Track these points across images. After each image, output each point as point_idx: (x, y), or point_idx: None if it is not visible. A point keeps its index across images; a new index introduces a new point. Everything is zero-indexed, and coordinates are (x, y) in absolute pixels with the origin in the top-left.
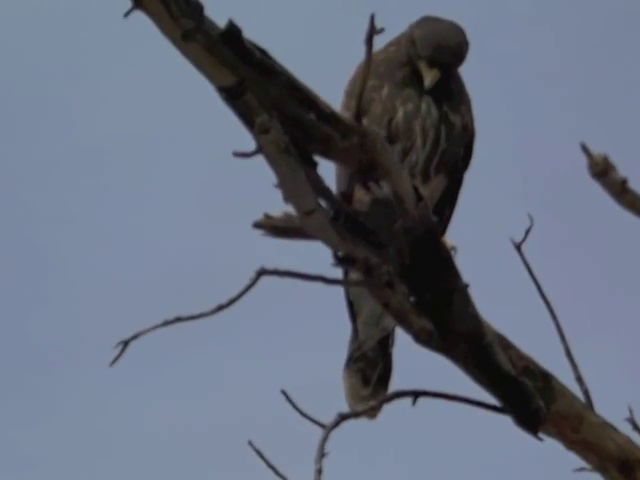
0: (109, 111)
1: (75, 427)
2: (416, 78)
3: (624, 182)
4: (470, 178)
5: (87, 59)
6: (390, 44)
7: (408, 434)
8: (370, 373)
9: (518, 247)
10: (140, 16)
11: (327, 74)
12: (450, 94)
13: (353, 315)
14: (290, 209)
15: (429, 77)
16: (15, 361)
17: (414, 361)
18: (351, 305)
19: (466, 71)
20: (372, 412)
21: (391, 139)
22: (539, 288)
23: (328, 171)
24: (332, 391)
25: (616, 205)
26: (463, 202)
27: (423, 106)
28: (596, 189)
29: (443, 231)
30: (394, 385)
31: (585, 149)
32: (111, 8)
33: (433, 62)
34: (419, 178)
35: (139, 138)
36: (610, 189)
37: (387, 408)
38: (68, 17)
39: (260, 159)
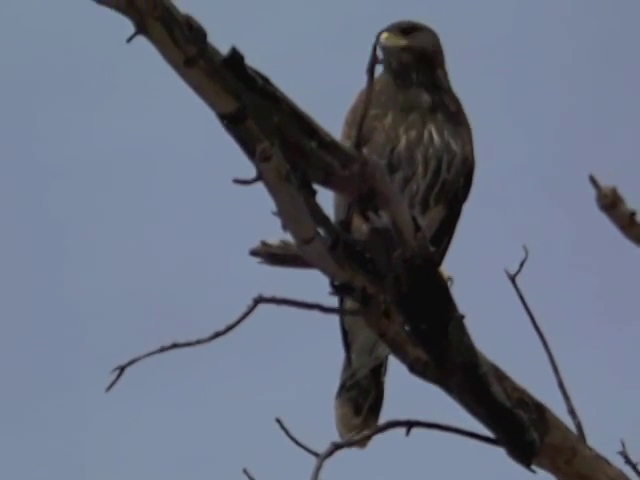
0: (109, 130)
1: (68, 448)
2: (414, 86)
3: (633, 214)
4: (467, 208)
5: (92, 80)
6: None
7: (401, 464)
8: (362, 402)
9: (513, 279)
10: (143, 41)
11: (328, 101)
12: (452, 121)
13: (347, 343)
14: (287, 236)
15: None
16: (13, 384)
17: (408, 390)
18: (345, 333)
19: (466, 98)
20: (363, 441)
21: (393, 167)
22: (533, 320)
23: (327, 199)
24: (327, 419)
25: (614, 235)
26: (460, 232)
27: (426, 134)
28: (593, 220)
29: (440, 261)
30: (386, 414)
31: (593, 181)
32: (115, 32)
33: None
34: (419, 207)
35: (140, 160)
36: (618, 222)
37: (381, 438)
38: (71, 36)
39: (260, 186)
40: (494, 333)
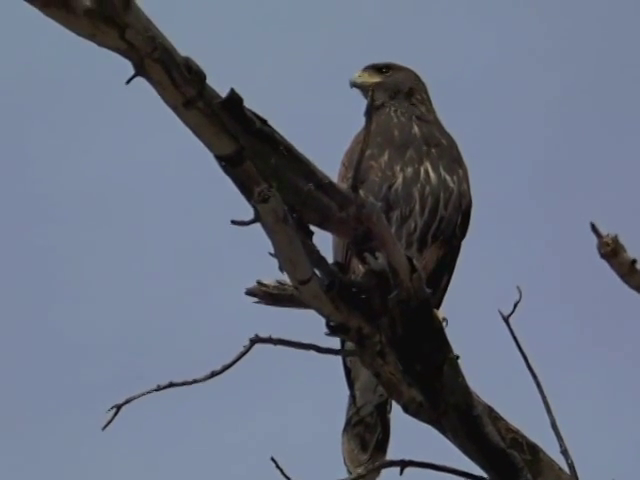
0: (109, 168)
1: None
2: (401, 121)
3: (634, 262)
4: (463, 247)
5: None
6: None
7: None
8: (368, 438)
9: (506, 319)
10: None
11: (325, 143)
12: (447, 156)
13: (350, 381)
14: (283, 276)
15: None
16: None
17: (409, 429)
18: (348, 371)
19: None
20: (370, 476)
21: (390, 205)
22: (526, 360)
23: (324, 240)
24: (323, 457)
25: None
26: (455, 271)
27: (422, 171)
28: (587, 264)
29: (441, 298)
30: (392, 450)
31: (594, 229)
32: (114, 72)
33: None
34: (416, 245)
35: (138, 199)
36: (619, 269)
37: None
38: (71, 73)
39: (257, 227)
40: (488, 373)
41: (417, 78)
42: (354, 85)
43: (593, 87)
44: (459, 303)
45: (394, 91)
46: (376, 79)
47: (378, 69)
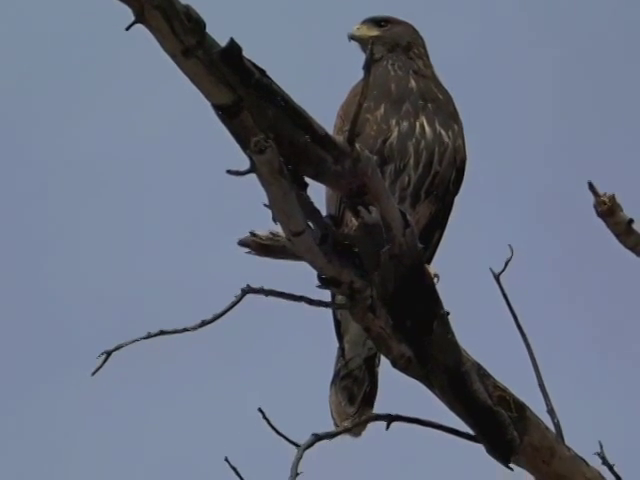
0: (102, 123)
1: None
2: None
3: (630, 222)
4: (456, 204)
5: (86, 69)
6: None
7: (381, 458)
8: (356, 391)
9: (497, 277)
10: (141, 30)
11: (322, 95)
12: (443, 111)
13: (340, 334)
14: (276, 228)
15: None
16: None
17: (397, 383)
18: (338, 324)
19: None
20: (356, 429)
21: (385, 159)
22: (516, 319)
23: (317, 193)
24: (310, 411)
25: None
26: (447, 229)
27: (417, 125)
28: (580, 224)
29: (432, 254)
30: (377, 404)
31: (592, 187)
32: (114, 21)
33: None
34: (410, 200)
35: (132, 150)
36: (615, 229)
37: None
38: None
39: (252, 178)
40: (478, 331)
41: (415, 32)
42: (352, 38)
43: (584, 56)
44: (450, 260)
45: (392, 45)
46: (375, 32)
47: (377, 22)
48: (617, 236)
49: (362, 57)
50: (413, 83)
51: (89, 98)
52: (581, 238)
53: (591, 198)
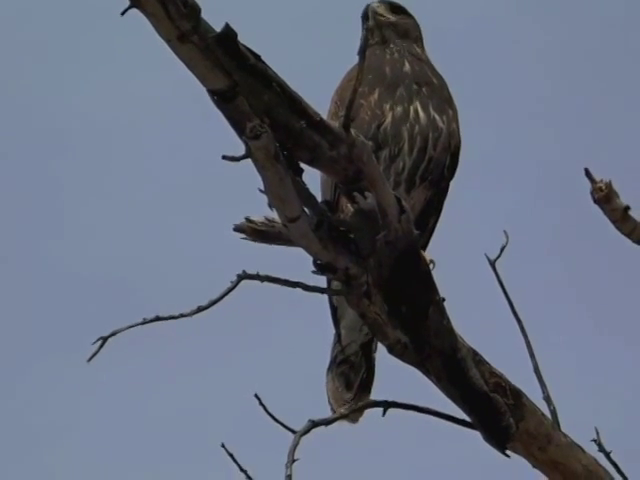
0: (99, 103)
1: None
2: (396, 56)
3: (627, 209)
4: (450, 191)
5: (80, 52)
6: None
7: (378, 444)
8: (353, 377)
9: (493, 263)
10: (136, 14)
11: (317, 80)
12: (437, 95)
13: (336, 319)
14: (271, 213)
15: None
16: None
17: (393, 370)
18: (334, 310)
19: (455, 85)
20: (353, 416)
21: (379, 144)
22: (511, 305)
23: (313, 179)
24: (307, 397)
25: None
26: (442, 215)
27: (412, 110)
28: (577, 210)
29: (427, 240)
30: (375, 390)
31: (588, 174)
32: (109, 4)
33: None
34: (404, 185)
35: (127, 132)
36: (611, 215)
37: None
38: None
39: (248, 163)
40: (473, 317)
41: (419, 28)
42: (374, 12)
43: (582, 37)
44: (446, 246)
45: (403, 35)
46: (392, 17)
47: (392, 8)
48: (614, 222)
49: (357, 38)
50: (407, 66)
51: (89, 69)
52: (577, 224)
53: (588, 184)
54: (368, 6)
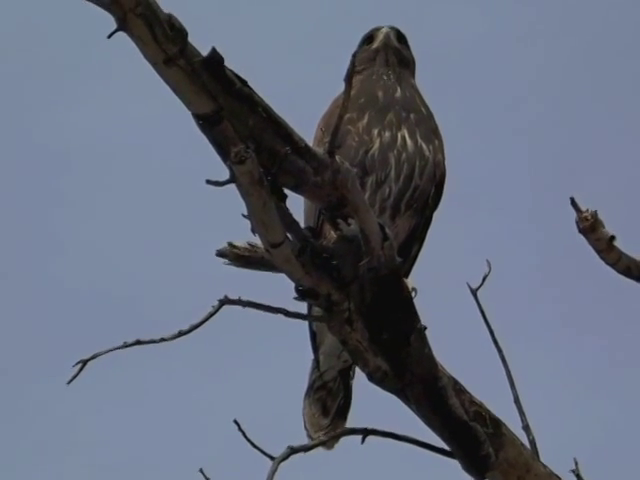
0: (100, 120)
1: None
2: (390, 82)
3: (612, 238)
4: (434, 220)
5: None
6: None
7: (356, 472)
8: (330, 403)
9: (474, 292)
10: (123, 37)
11: (303, 106)
12: (425, 125)
13: (315, 345)
14: (254, 239)
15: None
16: None
17: (370, 397)
18: (314, 335)
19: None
20: (329, 442)
21: (366, 170)
22: (492, 334)
23: (296, 205)
24: (286, 424)
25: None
26: (426, 243)
27: (399, 137)
28: (560, 240)
29: (410, 268)
30: (353, 417)
31: (574, 203)
32: (95, 26)
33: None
34: (390, 211)
35: (113, 156)
36: (596, 245)
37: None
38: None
39: (231, 188)
40: (454, 346)
41: (415, 62)
42: (387, 35)
43: (578, 62)
44: (428, 274)
45: (403, 64)
46: (397, 44)
47: (399, 36)
48: (598, 252)
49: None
50: (399, 93)
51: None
52: (561, 254)
53: (573, 214)
54: (380, 28)
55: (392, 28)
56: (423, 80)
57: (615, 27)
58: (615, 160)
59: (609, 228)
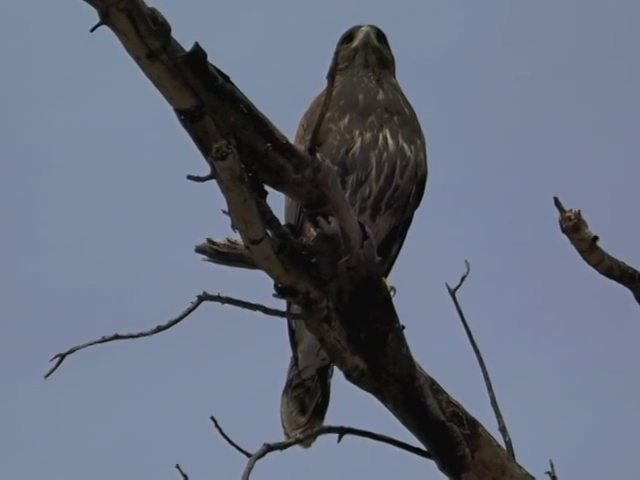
0: (80, 119)
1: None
2: (372, 84)
3: (595, 239)
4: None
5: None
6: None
7: (332, 470)
8: (308, 401)
9: (453, 293)
10: (106, 31)
11: (285, 103)
12: (407, 125)
13: (294, 343)
14: (234, 235)
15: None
16: None
17: (349, 396)
18: (292, 333)
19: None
20: (306, 441)
21: (347, 170)
22: (470, 335)
23: (276, 202)
24: (263, 421)
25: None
26: (405, 243)
27: (380, 137)
28: (539, 241)
29: (390, 267)
30: (329, 416)
31: (558, 203)
32: (79, 20)
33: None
34: (370, 211)
35: (92, 152)
36: (579, 245)
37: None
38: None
39: (211, 184)
40: (432, 346)
41: (395, 61)
42: (367, 34)
43: (562, 62)
44: (407, 274)
45: (382, 64)
46: (377, 43)
47: (379, 35)
48: (581, 252)
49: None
50: (382, 95)
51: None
52: (543, 254)
53: (556, 213)
54: (360, 27)
55: (372, 27)
56: (406, 79)
57: (599, 29)
58: (599, 161)
59: (592, 229)
